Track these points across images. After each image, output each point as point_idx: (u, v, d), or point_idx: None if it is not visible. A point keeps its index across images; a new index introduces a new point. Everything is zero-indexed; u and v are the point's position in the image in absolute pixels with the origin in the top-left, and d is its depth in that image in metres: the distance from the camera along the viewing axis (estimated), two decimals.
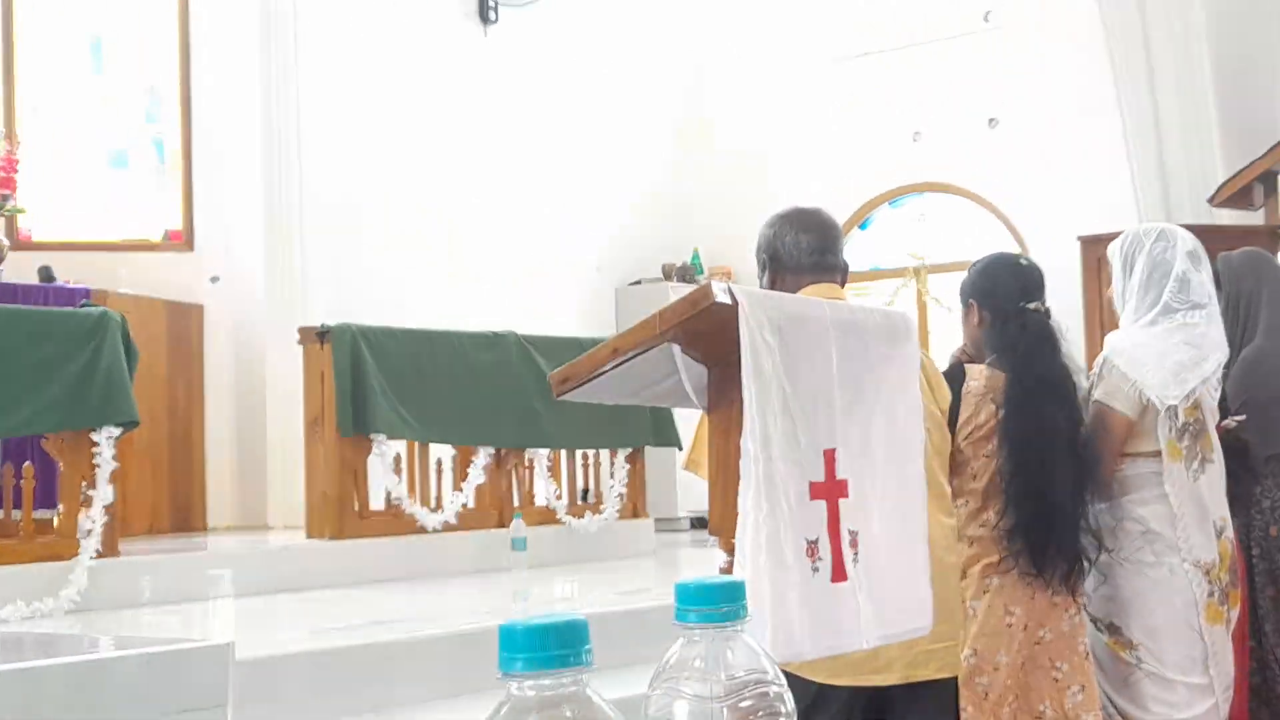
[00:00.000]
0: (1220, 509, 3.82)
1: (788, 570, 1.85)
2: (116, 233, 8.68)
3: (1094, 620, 3.79)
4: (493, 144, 9.74)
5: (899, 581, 2.07)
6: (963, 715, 3.32)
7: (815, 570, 1.89)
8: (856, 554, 1.98)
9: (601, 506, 7.62)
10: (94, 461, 5.50)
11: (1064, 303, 7.16)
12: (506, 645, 0.70)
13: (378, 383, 6.60)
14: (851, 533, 1.98)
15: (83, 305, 6.12)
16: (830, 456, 1.96)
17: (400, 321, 7.06)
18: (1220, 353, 3.84)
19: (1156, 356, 3.74)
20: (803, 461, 1.91)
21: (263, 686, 3.96)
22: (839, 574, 1.91)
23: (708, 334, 2.04)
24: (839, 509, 1.95)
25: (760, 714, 0.76)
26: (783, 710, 0.76)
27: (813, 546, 1.90)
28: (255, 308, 8.40)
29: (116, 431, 5.58)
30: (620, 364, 2.10)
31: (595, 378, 2.13)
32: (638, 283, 10.69)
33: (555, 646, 0.69)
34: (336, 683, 4.24)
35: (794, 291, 2.97)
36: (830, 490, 1.95)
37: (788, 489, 1.88)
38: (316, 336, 6.69)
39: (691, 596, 0.79)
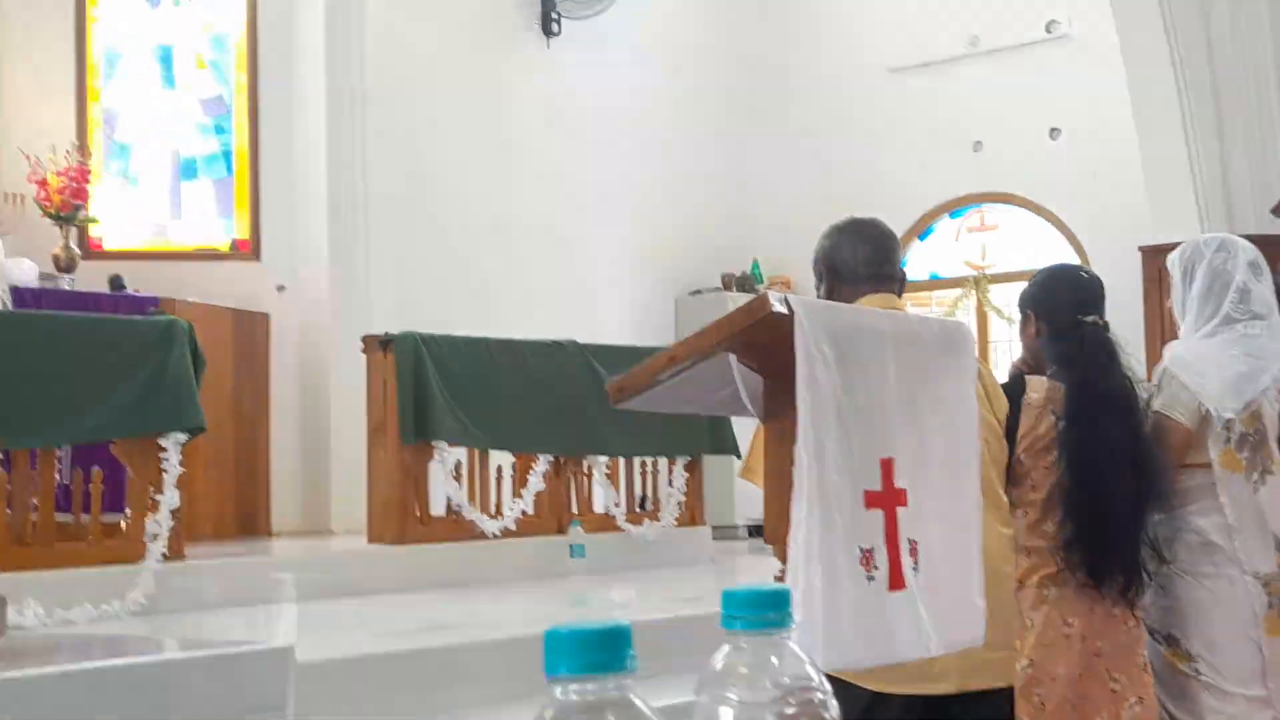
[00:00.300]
0: (1278, 522, 3.80)
1: (840, 579, 1.86)
2: (185, 242, 8.81)
3: (1152, 632, 3.78)
4: (555, 154, 9.80)
5: (955, 591, 2.08)
6: None
7: (870, 579, 1.91)
8: (916, 563, 2.00)
9: (659, 514, 7.65)
10: (161, 467, 5.59)
11: (1125, 313, 7.13)
12: (551, 649, 0.72)
13: (439, 390, 6.66)
14: (911, 541, 2.00)
15: (151, 313, 6.23)
16: (888, 466, 1.98)
17: (461, 330, 7.13)
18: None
19: (1216, 367, 3.73)
20: (857, 470, 1.93)
21: (324, 690, 4.01)
22: (896, 583, 1.93)
23: (764, 344, 2.06)
24: (897, 517, 1.96)
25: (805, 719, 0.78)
26: (828, 717, 0.78)
27: (868, 555, 1.92)
28: (320, 316, 8.50)
29: (183, 437, 5.67)
30: (677, 373, 2.13)
31: (652, 387, 2.16)
32: (698, 292, 10.71)
33: (599, 651, 0.71)
34: (396, 687, 4.29)
35: (851, 302, 2.99)
36: (888, 499, 1.96)
37: (841, 498, 1.90)
38: (380, 345, 6.78)
39: (738, 603, 0.81)
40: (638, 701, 0.70)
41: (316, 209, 8.60)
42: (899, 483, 1.98)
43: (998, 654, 3.04)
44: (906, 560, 1.96)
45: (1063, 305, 3.62)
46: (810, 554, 1.85)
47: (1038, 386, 3.56)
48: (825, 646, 1.83)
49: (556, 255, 9.75)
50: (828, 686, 0.80)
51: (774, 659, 0.79)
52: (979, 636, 2.10)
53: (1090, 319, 3.60)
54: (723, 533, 8.98)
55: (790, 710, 0.77)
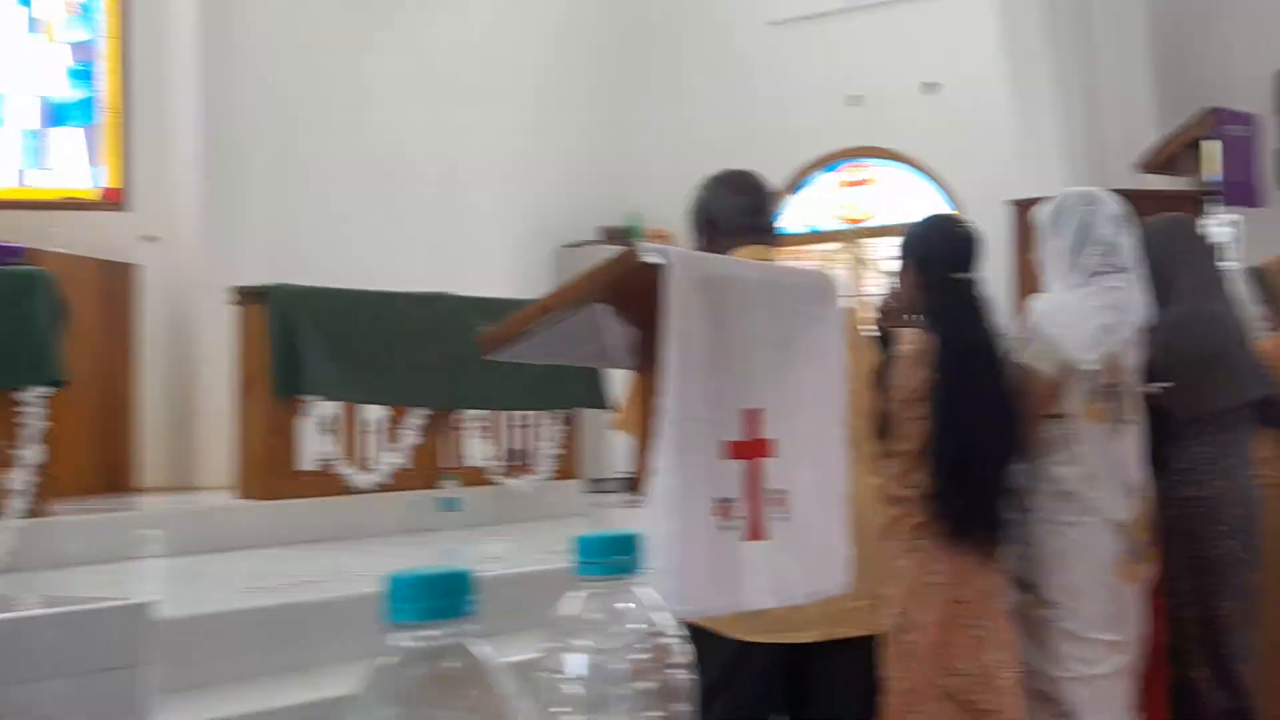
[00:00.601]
0: (1138, 470, 3.89)
1: (695, 527, 1.87)
2: (52, 190, 8.57)
3: (1013, 579, 3.85)
4: (430, 105, 9.69)
5: (820, 540, 2.09)
6: (885, 672, 3.37)
7: (726, 529, 1.91)
8: (781, 512, 2.00)
9: (534, 467, 7.63)
10: (18, 422, 5.44)
11: (994, 265, 7.24)
12: (394, 595, 0.70)
13: (312, 343, 6.57)
14: (778, 491, 2.00)
15: (13, 264, 6.05)
16: (754, 416, 1.98)
17: (337, 283, 7.03)
18: (1141, 316, 3.90)
19: (1079, 319, 3.80)
20: (720, 421, 1.93)
21: (187, 645, 3.96)
22: (755, 532, 1.94)
23: (637, 294, 2.05)
24: (760, 468, 1.97)
25: (657, 666, 0.77)
26: (679, 662, 0.78)
27: (725, 505, 1.92)
28: (192, 268, 8.34)
29: (44, 392, 5.53)
30: (548, 324, 2.11)
31: (523, 338, 2.14)
32: (576, 245, 10.67)
33: (439, 597, 0.70)
34: (261, 641, 4.25)
35: (727, 254, 3.00)
36: (751, 449, 1.96)
37: (701, 448, 1.90)
38: (252, 297, 6.66)
39: (589, 548, 0.80)
40: (478, 647, 0.69)
41: (189, 160, 8.43)
42: (766, 433, 1.99)
43: (862, 602, 3.08)
44: (768, 510, 1.97)
45: (939, 258, 3.66)
46: (667, 503, 1.85)
47: (910, 339, 3.59)
48: (678, 594, 1.84)
49: (433, 207, 9.66)
50: (680, 631, 0.79)
51: (624, 604, 0.78)
52: (844, 583, 2.12)
53: (962, 275, 3.64)
54: (598, 486, 9.00)
55: (642, 655, 0.77)
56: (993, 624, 3.61)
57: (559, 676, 0.77)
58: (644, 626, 0.79)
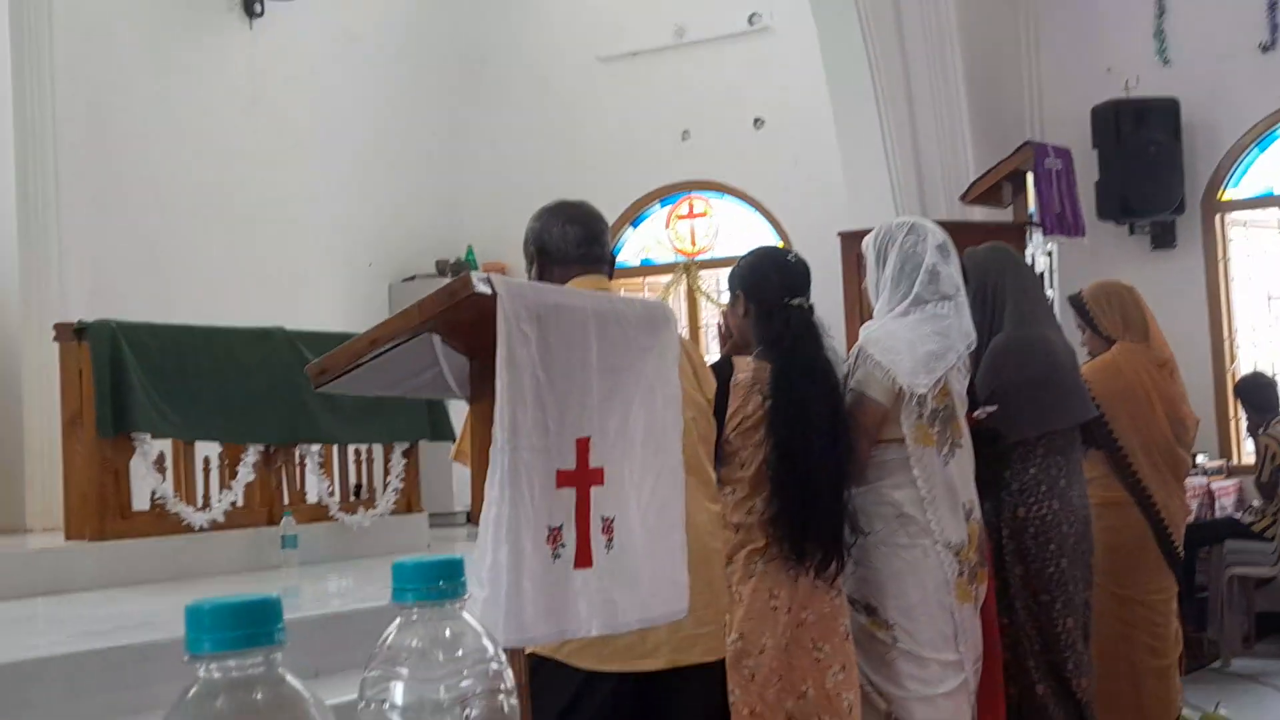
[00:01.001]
0: (969, 492, 3.98)
1: (525, 557, 1.86)
2: None
3: (852, 601, 3.91)
4: (261, 138, 9.54)
5: (655, 566, 2.09)
6: (730, 697, 3.39)
7: (556, 557, 1.91)
8: (610, 540, 2.00)
9: (375, 502, 7.54)
10: None
11: (826, 296, 7.35)
12: (193, 625, 0.68)
13: (139, 380, 6.40)
14: (605, 519, 2.00)
15: None
16: (584, 445, 1.98)
17: (164, 318, 6.87)
18: (965, 341, 4.00)
19: (908, 345, 3.88)
20: (551, 449, 1.93)
21: (15, 693, 3.82)
22: (583, 560, 1.93)
23: (468, 325, 2.04)
24: (590, 496, 1.97)
25: (481, 692, 0.76)
26: (503, 688, 0.77)
27: (556, 533, 1.92)
28: (8, 304, 8.07)
29: None
30: (379, 355, 2.09)
31: (354, 369, 2.11)
32: (411, 279, 10.60)
33: (244, 626, 0.67)
34: (93, 686, 4.12)
35: (562, 284, 3.00)
36: (581, 478, 1.96)
37: (532, 477, 1.89)
38: (74, 333, 6.46)
39: (408, 575, 0.79)
40: (289, 676, 0.67)
41: (2, 192, 8.15)
42: (595, 462, 1.99)
43: (708, 629, 3.10)
44: (597, 538, 1.96)
45: (771, 287, 3.70)
46: (498, 532, 1.84)
47: (745, 367, 3.63)
48: (507, 622, 1.83)
49: (265, 242, 9.50)
50: (503, 658, 0.79)
51: (447, 631, 0.77)
52: (681, 610, 2.12)
53: (796, 301, 3.70)
54: (441, 519, 8.92)
55: (465, 682, 0.76)
56: (834, 646, 3.65)
57: (385, 705, 0.75)
58: (470, 652, 0.78)
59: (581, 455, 1.97)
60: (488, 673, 0.77)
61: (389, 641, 0.78)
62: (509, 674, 0.78)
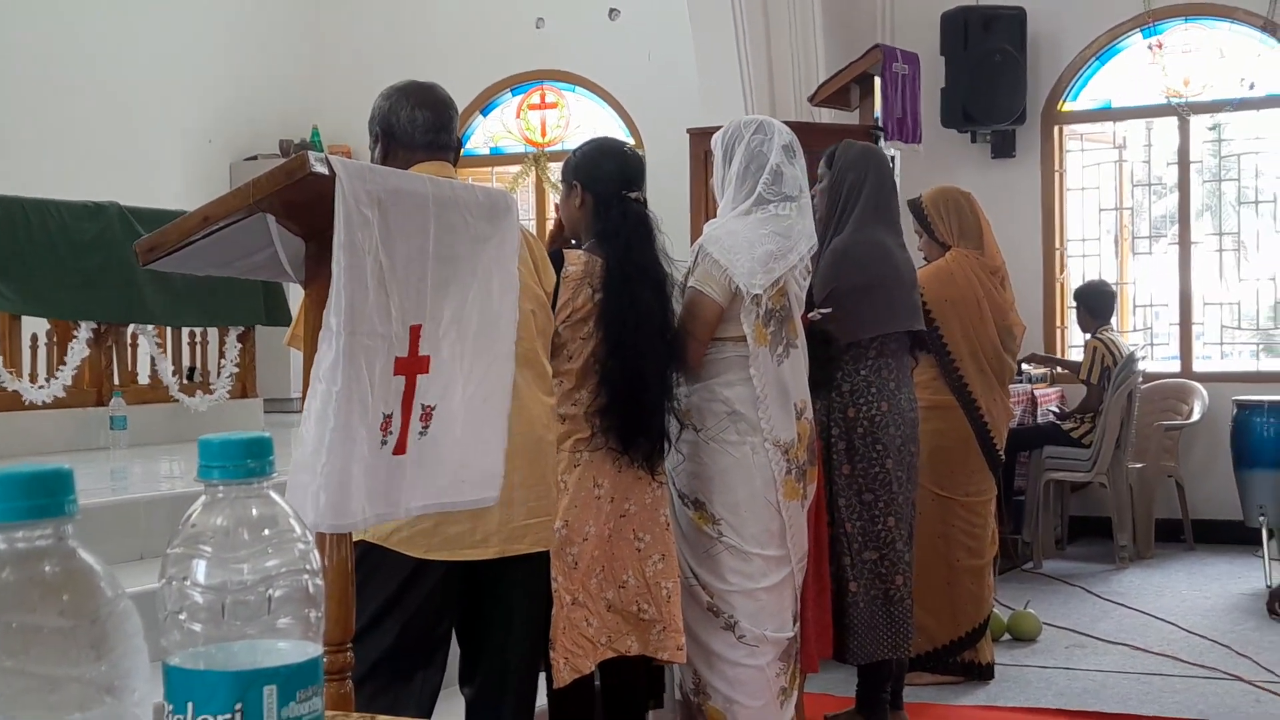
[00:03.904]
0: (801, 392, 4.06)
1: (355, 443, 1.85)
2: None
3: (681, 495, 3.98)
4: (105, 9, 9.19)
5: (471, 454, 2.09)
6: (554, 585, 3.44)
7: (384, 443, 1.90)
8: (425, 427, 2.00)
9: (211, 385, 7.42)
10: None
11: (673, 193, 7.37)
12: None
13: None
14: (425, 407, 2.00)
15: None
16: (416, 332, 1.97)
17: None
18: (807, 243, 4.05)
19: (747, 245, 3.91)
20: (391, 337, 1.92)
21: None
22: (401, 447, 1.93)
23: (305, 205, 2.00)
24: (416, 384, 1.96)
25: (286, 572, 0.77)
26: (308, 568, 0.77)
27: (387, 420, 1.91)
28: None
29: None
30: (211, 233, 2.04)
31: (184, 246, 2.07)
32: (254, 158, 10.36)
33: (34, 496, 0.66)
34: None
35: (406, 168, 2.96)
36: (411, 365, 1.96)
37: (373, 364, 1.88)
38: None
39: (215, 452, 0.78)
40: (80, 549, 0.67)
41: None
42: (424, 350, 1.98)
43: (538, 519, 3.13)
44: (415, 425, 1.96)
45: (608, 179, 3.68)
46: (327, 416, 1.83)
47: (576, 260, 3.62)
48: (331, 505, 1.83)
49: (101, 113, 9.19)
50: (309, 539, 0.79)
51: (253, 510, 0.77)
52: (491, 497, 2.12)
53: (634, 195, 3.69)
54: (277, 405, 8.82)
55: (270, 561, 0.76)
56: (654, 536, 3.72)
57: (186, 584, 0.75)
58: (276, 532, 0.78)
59: (414, 343, 1.96)
60: (294, 553, 0.77)
61: (193, 519, 0.78)
62: (315, 555, 0.78)
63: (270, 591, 0.75)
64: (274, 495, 0.79)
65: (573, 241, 3.82)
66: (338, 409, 1.82)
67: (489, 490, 2.10)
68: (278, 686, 0.75)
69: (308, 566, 0.77)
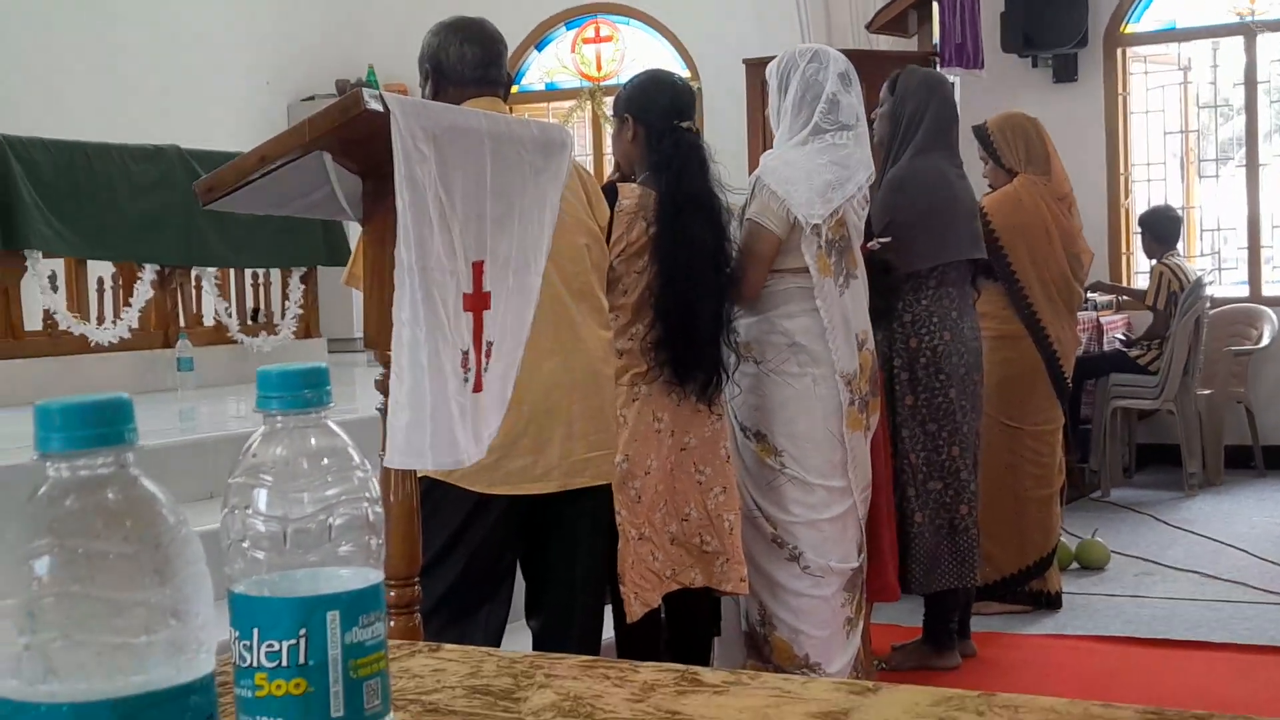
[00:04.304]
0: (863, 323, 4.03)
1: (447, 380, 1.86)
2: None
3: (743, 428, 3.98)
4: None
5: (504, 388, 2.10)
6: (617, 519, 3.45)
7: (466, 380, 1.91)
8: (488, 363, 2.01)
9: (276, 326, 7.49)
10: None
11: (730, 124, 7.32)
12: (42, 423, 0.67)
13: (30, 196, 6.25)
14: (489, 343, 2.01)
15: None
16: (479, 268, 1.97)
17: (56, 133, 6.68)
18: (865, 172, 4.01)
19: (805, 175, 3.88)
20: (458, 273, 1.92)
21: None
22: (478, 385, 1.94)
23: (360, 142, 2.01)
24: (483, 321, 1.97)
25: (345, 500, 0.77)
26: (367, 496, 0.78)
27: (465, 357, 1.92)
28: None
29: None
30: (269, 172, 2.05)
31: (242, 186, 2.08)
32: (311, 99, 10.38)
33: (95, 425, 0.67)
34: None
35: (456, 104, 2.95)
36: (477, 302, 1.96)
37: (445, 300, 1.89)
38: None
39: (273, 382, 0.79)
40: (143, 478, 0.68)
41: None
42: (487, 286, 1.98)
43: (599, 453, 3.15)
44: (484, 362, 1.97)
45: (660, 110, 3.65)
46: (417, 357, 1.84)
47: (629, 193, 3.60)
48: (436, 444, 1.84)
49: (161, 58, 9.24)
50: (368, 467, 0.79)
51: (312, 440, 0.78)
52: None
53: (685, 124, 3.67)
54: (341, 345, 8.89)
55: (329, 490, 0.77)
56: (715, 469, 3.71)
57: (249, 512, 0.76)
58: (335, 461, 0.79)
59: (477, 279, 1.96)
60: (353, 481, 0.78)
61: (253, 449, 0.79)
62: (374, 483, 0.79)
63: (330, 520, 0.76)
64: (332, 424, 0.80)
65: (630, 178, 3.80)
66: (426, 347, 1.83)
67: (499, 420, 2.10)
68: (340, 612, 0.76)
69: (367, 494, 0.78)
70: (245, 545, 0.75)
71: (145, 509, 0.66)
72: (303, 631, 0.75)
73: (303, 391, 0.78)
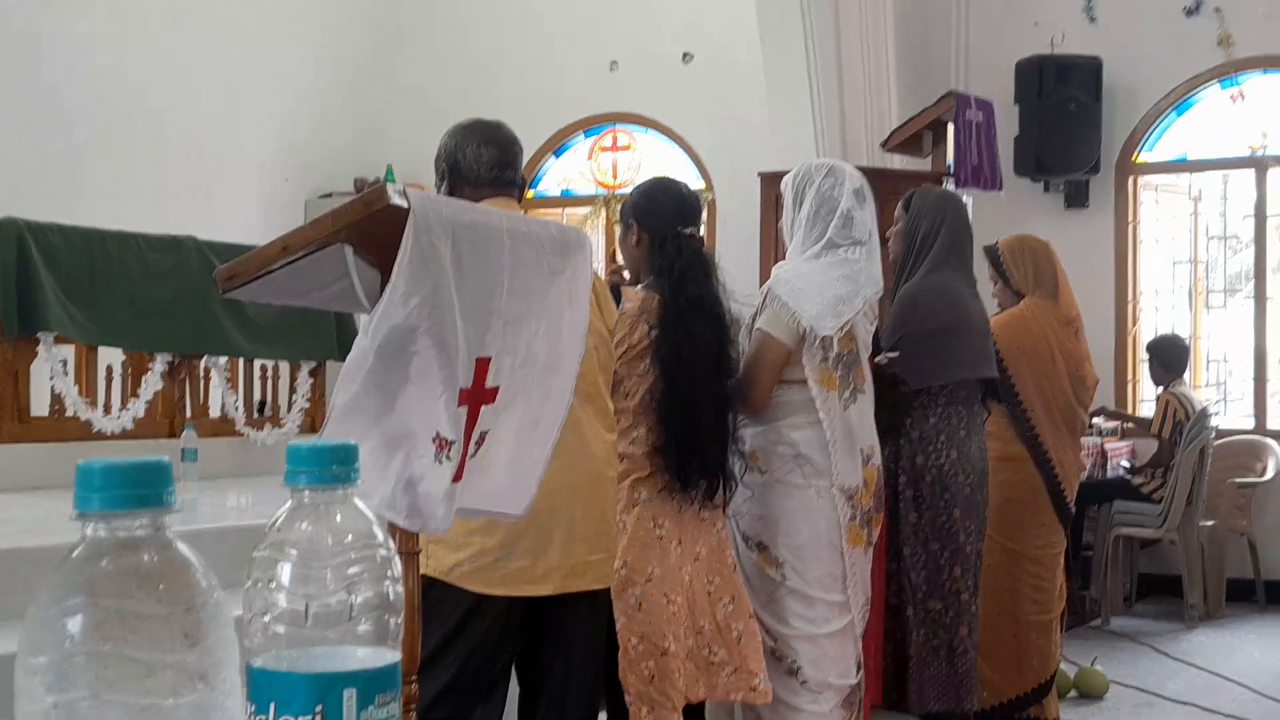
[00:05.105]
0: (868, 437, 4.04)
1: (424, 467, 1.87)
2: None
3: (745, 538, 3.97)
4: (181, 44, 9.37)
5: (510, 473, 2.09)
6: (617, 625, 3.43)
7: (440, 461, 1.90)
8: (478, 449, 2.00)
9: (281, 420, 7.49)
10: None
11: (744, 236, 7.37)
12: (82, 483, 0.68)
13: (48, 281, 6.29)
14: (482, 433, 2.01)
15: None
16: (484, 365, 1.98)
17: (77, 221, 6.73)
18: (874, 288, 4.04)
19: (816, 288, 3.92)
20: (459, 367, 1.93)
21: None
22: (459, 475, 1.93)
23: (381, 237, 2.03)
24: (479, 414, 1.96)
25: (368, 578, 0.78)
26: (389, 575, 0.78)
27: (446, 444, 1.90)
28: None
29: None
30: (290, 262, 2.07)
31: (263, 276, 2.10)
32: (329, 195, 10.49)
33: (134, 485, 0.68)
34: None
35: None
36: (476, 397, 1.96)
37: (440, 393, 1.89)
38: None
39: (302, 457, 0.80)
40: (176, 541, 0.68)
41: None
42: (491, 382, 1.98)
43: (599, 556, 3.14)
44: (471, 450, 1.96)
45: (664, 216, 3.67)
46: (396, 442, 1.84)
47: (633, 296, 3.63)
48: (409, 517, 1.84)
49: (181, 150, 9.35)
50: (391, 546, 0.80)
51: (338, 516, 0.78)
52: (520, 512, 2.11)
53: (689, 230, 3.69)
54: None
55: (352, 568, 0.77)
56: (723, 579, 3.70)
57: (272, 586, 0.77)
58: (359, 539, 0.79)
59: (480, 375, 1.97)
60: (375, 559, 0.78)
61: (279, 523, 0.79)
62: (397, 562, 0.79)
63: (352, 598, 0.77)
64: (358, 502, 0.80)
65: (630, 281, 3.82)
66: (408, 435, 1.83)
67: (517, 508, 2.09)
68: (357, 690, 0.77)
69: (389, 574, 0.78)
70: (266, 619, 0.75)
71: (179, 572, 0.67)
72: (319, 708, 0.75)
73: (331, 467, 0.79)
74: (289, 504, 0.79)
